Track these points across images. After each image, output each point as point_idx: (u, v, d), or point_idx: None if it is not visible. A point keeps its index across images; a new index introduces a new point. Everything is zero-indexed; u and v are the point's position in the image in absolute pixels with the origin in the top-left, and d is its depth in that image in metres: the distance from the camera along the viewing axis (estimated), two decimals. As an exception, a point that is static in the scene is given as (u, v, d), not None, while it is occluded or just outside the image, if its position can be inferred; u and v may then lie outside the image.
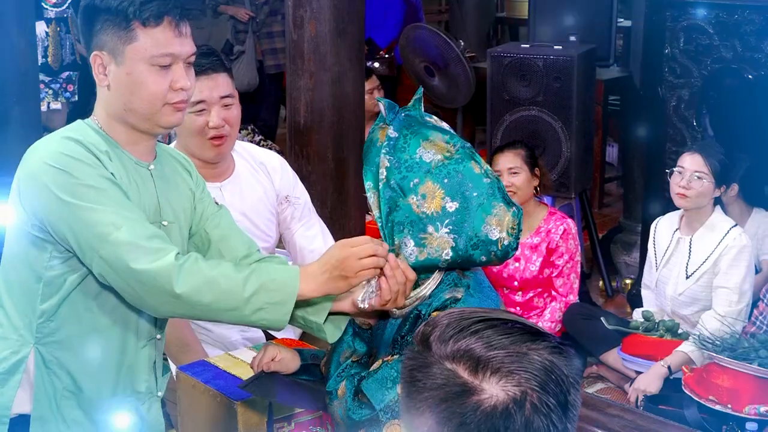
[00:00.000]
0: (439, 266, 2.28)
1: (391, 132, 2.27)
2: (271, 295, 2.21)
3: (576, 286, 4.58)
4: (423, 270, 2.30)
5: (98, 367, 2.41)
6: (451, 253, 2.25)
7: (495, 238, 2.26)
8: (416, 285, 2.31)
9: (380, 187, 2.25)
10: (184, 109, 2.42)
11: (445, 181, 2.23)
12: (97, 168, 2.26)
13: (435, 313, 2.23)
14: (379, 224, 2.27)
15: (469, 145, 2.33)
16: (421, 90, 2.45)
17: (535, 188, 4.59)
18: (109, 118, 2.38)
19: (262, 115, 7.72)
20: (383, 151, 2.26)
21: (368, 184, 2.27)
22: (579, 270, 4.62)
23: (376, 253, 2.19)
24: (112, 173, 2.28)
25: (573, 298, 4.58)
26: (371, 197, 2.27)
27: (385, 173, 2.24)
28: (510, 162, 4.50)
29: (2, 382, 2.38)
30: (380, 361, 2.32)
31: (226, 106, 3.22)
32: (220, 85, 3.21)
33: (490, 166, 4.31)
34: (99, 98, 2.42)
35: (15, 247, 2.36)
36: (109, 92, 2.37)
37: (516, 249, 2.31)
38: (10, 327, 2.38)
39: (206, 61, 3.18)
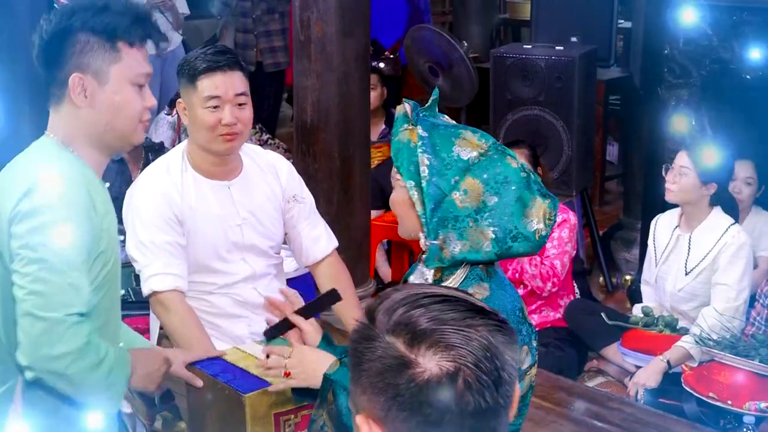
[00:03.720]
0: (479, 260, 2.30)
1: (422, 132, 2.30)
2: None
3: (559, 271, 4.57)
4: (455, 264, 2.33)
5: None
6: (491, 246, 2.27)
7: (533, 230, 2.29)
8: (439, 280, 2.34)
9: (423, 185, 2.26)
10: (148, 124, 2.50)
11: (485, 176, 2.26)
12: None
13: None
14: (424, 220, 2.27)
15: (499, 142, 2.37)
16: (437, 91, 2.47)
17: None
18: (81, 138, 2.41)
19: (263, 114, 7.73)
20: (420, 150, 2.27)
21: (410, 183, 2.29)
22: (566, 261, 4.62)
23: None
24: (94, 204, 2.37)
25: (552, 286, 4.57)
26: (414, 195, 2.29)
27: (426, 171, 2.25)
28: None
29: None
30: None
31: (239, 105, 3.23)
32: (235, 82, 3.22)
33: None
34: (68, 118, 2.41)
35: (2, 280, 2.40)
36: (89, 112, 2.38)
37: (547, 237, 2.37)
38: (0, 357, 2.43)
39: (222, 58, 3.21)
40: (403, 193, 2.34)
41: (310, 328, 2.61)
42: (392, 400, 1.33)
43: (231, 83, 3.22)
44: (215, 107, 3.21)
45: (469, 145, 2.29)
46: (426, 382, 1.31)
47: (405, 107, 2.36)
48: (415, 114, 2.34)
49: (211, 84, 3.21)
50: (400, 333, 1.35)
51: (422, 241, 2.34)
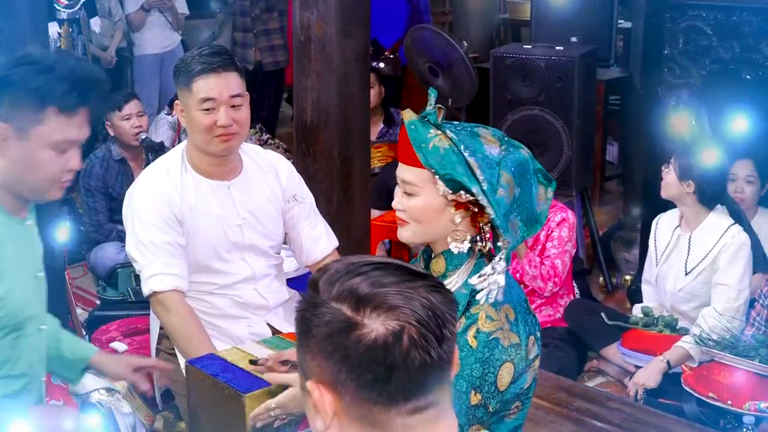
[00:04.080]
0: (513, 248, 2.33)
1: (452, 134, 2.30)
2: None
3: (560, 270, 4.58)
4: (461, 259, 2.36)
5: None
6: (519, 234, 2.33)
7: (540, 211, 2.35)
8: (444, 276, 2.36)
9: (486, 189, 2.25)
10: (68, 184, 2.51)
11: (512, 169, 2.29)
12: None
13: (475, 309, 2.26)
14: (499, 223, 2.27)
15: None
16: (435, 92, 2.46)
17: None
18: None
19: (262, 113, 7.74)
20: (466, 153, 2.27)
21: (475, 189, 2.28)
22: (567, 260, 4.62)
23: None
24: None
25: (553, 286, 4.59)
26: (483, 200, 2.28)
27: (482, 175, 2.26)
28: None
29: None
30: None
31: (235, 106, 3.22)
32: (230, 84, 3.21)
33: None
34: None
35: None
36: (2, 160, 2.40)
37: None
38: None
39: (217, 60, 3.20)
40: (433, 199, 2.32)
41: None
42: (342, 362, 1.39)
43: (226, 85, 3.20)
44: (211, 109, 3.20)
45: (490, 141, 2.31)
46: (373, 342, 1.38)
47: (410, 113, 2.37)
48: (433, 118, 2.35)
49: (205, 86, 3.20)
50: (345, 299, 1.41)
51: (460, 247, 2.34)
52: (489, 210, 2.27)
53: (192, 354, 3.10)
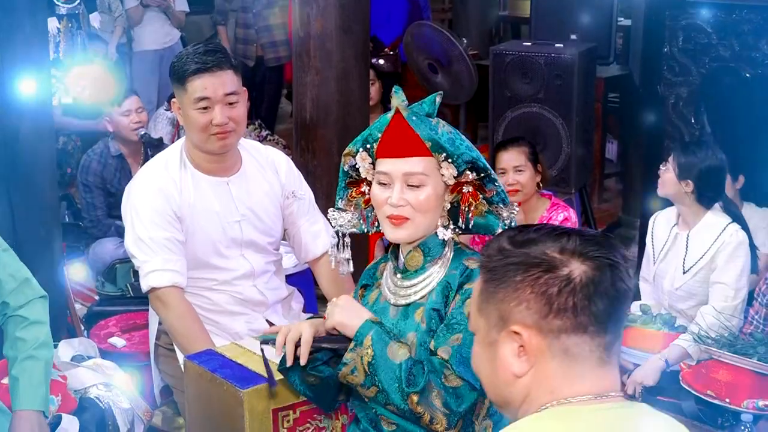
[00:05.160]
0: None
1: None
2: None
3: None
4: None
5: None
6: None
7: None
8: (423, 269, 2.43)
9: (482, 161, 2.38)
10: None
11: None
12: None
13: (469, 285, 2.34)
14: (504, 195, 2.42)
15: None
16: (434, 98, 2.51)
17: (538, 184, 4.61)
18: None
19: (261, 109, 7.75)
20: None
21: (483, 165, 2.39)
22: None
23: None
24: None
25: None
26: (493, 173, 2.39)
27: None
28: (515, 160, 4.46)
29: None
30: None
31: (230, 104, 3.22)
32: (225, 82, 3.20)
33: (494, 162, 4.38)
34: None
35: None
36: None
37: None
38: None
39: (211, 58, 3.19)
40: (438, 185, 2.38)
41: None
42: (551, 299, 1.54)
43: (221, 83, 3.20)
44: (206, 108, 3.20)
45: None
46: (590, 278, 1.55)
47: (400, 100, 2.41)
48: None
49: (200, 85, 3.20)
50: (550, 245, 1.57)
51: (446, 234, 2.40)
52: (498, 182, 2.37)
53: (190, 350, 3.12)
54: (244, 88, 3.33)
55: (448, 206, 2.41)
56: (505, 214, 2.41)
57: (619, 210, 6.48)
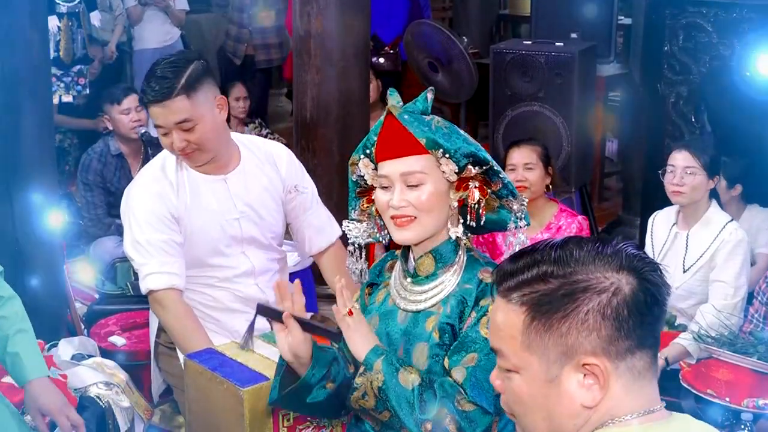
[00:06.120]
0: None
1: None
2: None
3: None
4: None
5: None
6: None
7: None
8: (434, 275, 2.39)
9: (484, 154, 2.35)
10: None
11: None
12: None
13: (484, 302, 2.30)
14: (511, 187, 2.40)
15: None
16: (426, 95, 2.48)
17: (547, 186, 4.58)
18: None
19: (253, 108, 7.75)
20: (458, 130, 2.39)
21: (485, 157, 2.37)
22: None
23: None
24: None
25: None
26: (496, 166, 2.36)
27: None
28: (526, 157, 4.45)
29: None
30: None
31: (186, 130, 3.19)
32: (174, 111, 3.16)
33: (505, 160, 4.38)
34: None
35: None
36: None
37: None
38: None
39: (158, 88, 3.15)
40: (439, 183, 2.34)
41: (300, 337, 2.38)
42: (614, 321, 1.49)
43: (170, 112, 3.16)
44: (165, 134, 3.21)
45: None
46: (639, 291, 1.51)
47: (394, 101, 2.38)
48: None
49: (153, 113, 3.22)
50: (591, 263, 1.52)
51: (457, 231, 2.37)
52: (502, 174, 2.34)
53: (190, 348, 3.11)
54: (223, 97, 3.31)
55: (455, 204, 2.35)
56: (515, 207, 2.38)
57: (619, 209, 6.48)
